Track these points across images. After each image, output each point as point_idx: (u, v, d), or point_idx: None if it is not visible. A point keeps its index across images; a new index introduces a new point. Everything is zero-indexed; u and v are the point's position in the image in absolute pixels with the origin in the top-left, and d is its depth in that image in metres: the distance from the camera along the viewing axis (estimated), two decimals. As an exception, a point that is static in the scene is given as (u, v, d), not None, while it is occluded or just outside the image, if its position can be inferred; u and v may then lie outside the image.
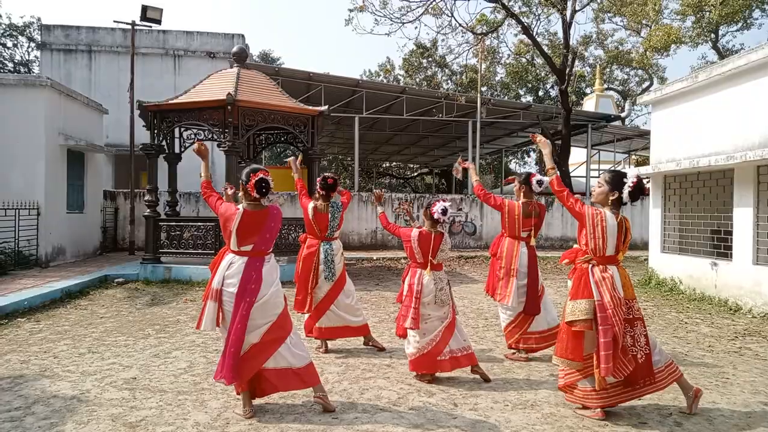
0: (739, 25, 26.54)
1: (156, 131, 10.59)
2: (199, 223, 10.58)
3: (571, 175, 21.24)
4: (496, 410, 4.09)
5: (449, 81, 33.74)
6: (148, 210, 10.55)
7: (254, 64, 19.20)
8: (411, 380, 4.74)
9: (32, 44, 33.92)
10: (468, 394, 4.41)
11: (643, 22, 25.88)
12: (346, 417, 3.94)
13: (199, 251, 10.32)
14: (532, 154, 40.01)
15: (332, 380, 4.74)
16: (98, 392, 4.40)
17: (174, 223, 10.63)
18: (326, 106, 11.31)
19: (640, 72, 34.22)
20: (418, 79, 32.87)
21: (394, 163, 43.22)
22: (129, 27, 15.07)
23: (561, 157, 20.53)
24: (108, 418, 3.89)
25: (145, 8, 14.44)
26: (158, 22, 14.88)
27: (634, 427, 3.80)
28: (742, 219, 8.40)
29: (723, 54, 26.74)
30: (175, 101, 10.47)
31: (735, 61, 8.72)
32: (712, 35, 27.22)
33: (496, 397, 4.36)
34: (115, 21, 15.54)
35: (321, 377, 4.80)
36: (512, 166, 43.46)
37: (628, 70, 34.62)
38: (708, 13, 24.36)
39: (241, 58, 11.23)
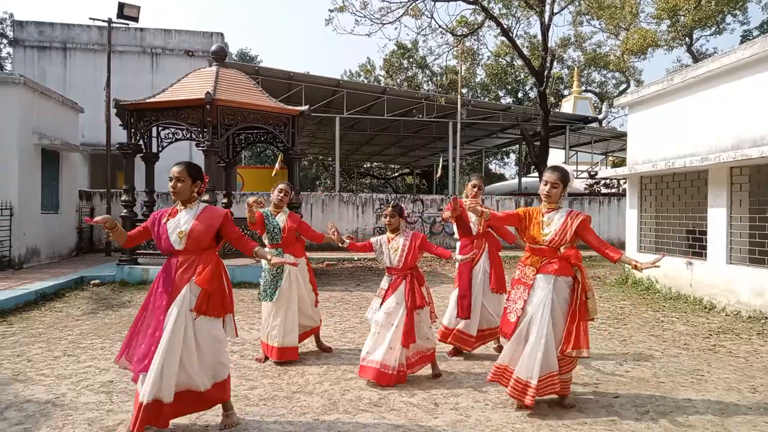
0: (713, 29, 27.19)
1: (133, 130, 10.44)
2: (178, 224, 10.40)
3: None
4: (477, 409, 4.11)
5: (430, 82, 33.88)
6: (125, 210, 10.39)
7: (233, 63, 19.06)
8: (392, 380, 4.74)
9: (4, 41, 33.23)
10: (448, 394, 4.42)
11: (620, 25, 26.28)
12: (327, 419, 3.92)
13: (178, 252, 10.18)
14: (512, 155, 40.36)
15: (313, 381, 4.72)
16: (74, 396, 4.32)
17: (152, 224, 10.47)
18: (307, 106, 11.27)
19: (617, 74, 34.79)
20: (398, 80, 32.93)
21: (375, 164, 43.25)
22: (105, 24, 14.81)
23: (539, 159, 20.74)
24: (84, 422, 3.81)
25: (122, 5, 14.20)
26: (135, 19, 14.66)
27: (612, 424, 3.85)
28: (716, 219, 8.58)
29: (697, 57, 27.31)
30: (152, 100, 10.33)
31: (709, 65, 8.89)
32: (687, 39, 27.79)
33: (477, 396, 4.38)
34: (90, 18, 15.25)
35: (302, 378, 4.79)
36: (492, 167, 43.80)
37: (605, 72, 35.15)
38: (682, 17, 24.87)
39: (220, 56, 11.13)
